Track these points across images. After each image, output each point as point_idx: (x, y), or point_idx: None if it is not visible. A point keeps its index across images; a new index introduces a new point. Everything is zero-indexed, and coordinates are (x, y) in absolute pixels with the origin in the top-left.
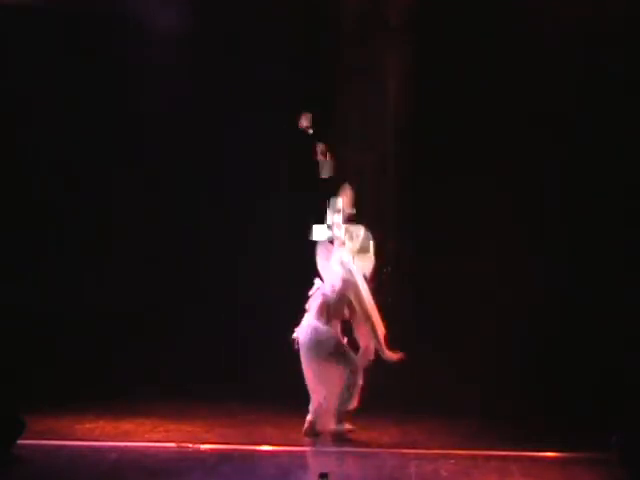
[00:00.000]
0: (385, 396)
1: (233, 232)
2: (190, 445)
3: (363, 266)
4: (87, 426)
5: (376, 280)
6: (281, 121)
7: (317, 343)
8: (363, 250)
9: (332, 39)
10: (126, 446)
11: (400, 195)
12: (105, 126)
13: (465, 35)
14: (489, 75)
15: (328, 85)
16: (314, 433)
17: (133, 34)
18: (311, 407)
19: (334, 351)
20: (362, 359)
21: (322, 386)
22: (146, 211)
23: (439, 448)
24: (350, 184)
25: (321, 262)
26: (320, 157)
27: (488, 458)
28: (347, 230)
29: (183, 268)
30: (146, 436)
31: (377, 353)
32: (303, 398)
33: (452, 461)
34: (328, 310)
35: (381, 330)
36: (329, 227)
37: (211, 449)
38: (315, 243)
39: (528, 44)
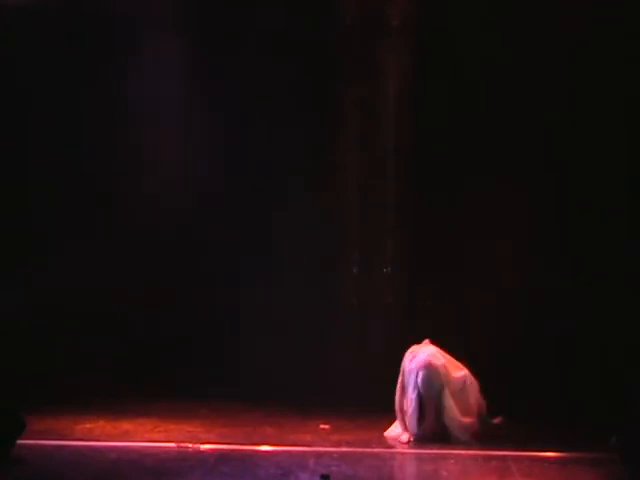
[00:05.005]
0: (385, 396)
1: (233, 231)
2: (190, 445)
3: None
4: (87, 426)
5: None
6: (280, 122)
7: None
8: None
9: (332, 41)
10: (126, 446)
11: (400, 196)
12: (106, 127)
13: (465, 36)
14: (488, 76)
15: (328, 86)
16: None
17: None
18: None
19: None
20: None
21: None
22: (146, 211)
23: (439, 448)
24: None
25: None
26: None
27: (488, 458)
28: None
29: (183, 268)
30: (146, 436)
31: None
32: (303, 398)
33: (452, 461)
34: None
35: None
36: None
37: (211, 449)
38: None
39: (528, 45)
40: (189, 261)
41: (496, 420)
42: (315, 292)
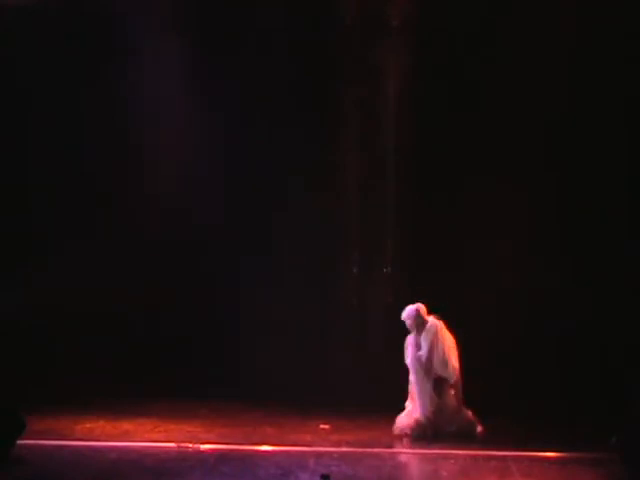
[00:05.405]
0: (385, 396)
1: (233, 231)
2: (190, 445)
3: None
4: (87, 426)
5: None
6: (280, 122)
7: None
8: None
9: (332, 41)
10: (126, 446)
11: (400, 196)
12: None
13: (465, 36)
14: (488, 76)
15: (328, 86)
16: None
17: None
18: None
19: None
20: None
21: None
22: (146, 211)
23: (439, 448)
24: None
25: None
26: None
27: (488, 458)
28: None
29: (183, 269)
30: (146, 436)
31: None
32: (303, 398)
33: (452, 461)
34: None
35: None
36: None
37: (211, 449)
38: None
39: (528, 45)
40: (189, 261)
41: (479, 429)
42: (315, 292)
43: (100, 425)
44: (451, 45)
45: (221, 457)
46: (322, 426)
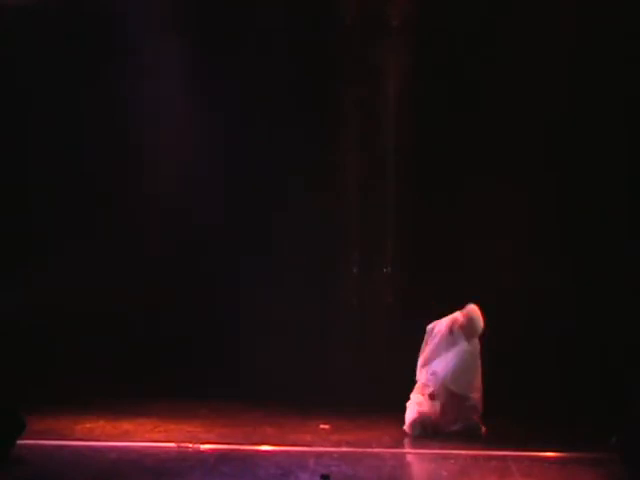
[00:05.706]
0: (385, 396)
1: (233, 231)
2: (190, 445)
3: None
4: (87, 426)
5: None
6: (280, 122)
7: None
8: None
9: (332, 41)
10: (126, 446)
11: (400, 196)
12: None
13: (465, 36)
14: (488, 76)
15: (328, 86)
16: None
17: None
18: None
19: None
20: None
21: None
22: (146, 211)
23: (439, 448)
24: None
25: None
26: None
27: (488, 458)
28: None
29: (183, 269)
30: (146, 436)
31: None
32: (303, 398)
33: (452, 461)
34: None
35: None
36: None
37: (211, 449)
38: None
39: (528, 45)
40: (189, 261)
41: (483, 430)
42: (315, 292)
43: (100, 425)
44: (451, 45)
45: (221, 457)
46: (322, 426)
